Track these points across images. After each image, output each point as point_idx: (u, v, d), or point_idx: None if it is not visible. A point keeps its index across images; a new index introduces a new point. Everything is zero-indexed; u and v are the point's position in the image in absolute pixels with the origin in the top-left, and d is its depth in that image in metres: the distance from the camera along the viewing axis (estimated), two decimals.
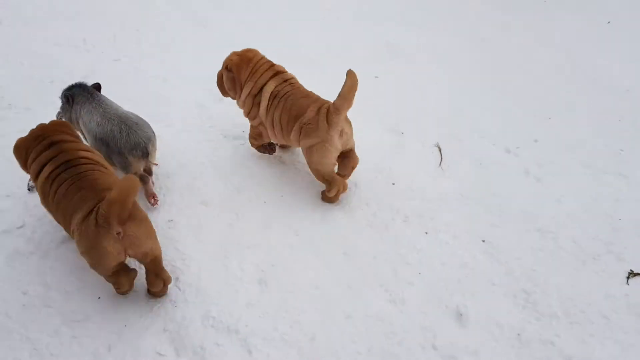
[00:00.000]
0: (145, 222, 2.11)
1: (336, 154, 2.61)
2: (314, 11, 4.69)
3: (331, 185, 2.67)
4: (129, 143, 2.58)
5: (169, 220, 2.66)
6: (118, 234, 1.99)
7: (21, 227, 2.59)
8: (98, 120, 2.63)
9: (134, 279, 2.27)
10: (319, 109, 2.55)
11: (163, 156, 2.94)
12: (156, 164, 2.78)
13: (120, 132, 2.59)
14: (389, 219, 2.72)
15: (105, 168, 2.28)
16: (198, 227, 2.64)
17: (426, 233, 2.65)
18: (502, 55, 4.11)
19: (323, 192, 2.77)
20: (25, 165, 2.33)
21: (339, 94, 2.44)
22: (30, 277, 2.38)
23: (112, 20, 4.39)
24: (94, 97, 2.75)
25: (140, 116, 2.77)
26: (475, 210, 2.77)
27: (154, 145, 2.69)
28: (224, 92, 2.96)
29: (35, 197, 2.45)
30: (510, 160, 3.10)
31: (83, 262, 2.17)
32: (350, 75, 2.40)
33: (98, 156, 2.35)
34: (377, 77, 3.69)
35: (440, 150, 3.14)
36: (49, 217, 2.41)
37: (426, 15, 4.67)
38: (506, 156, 3.13)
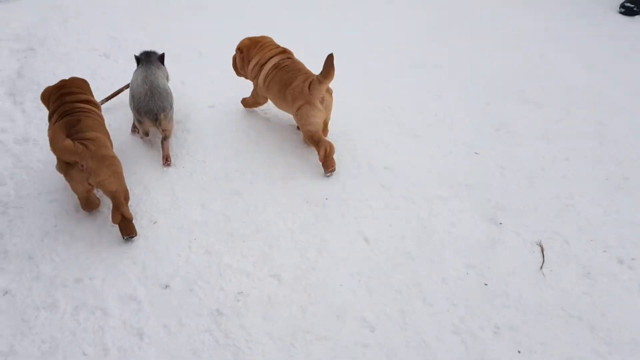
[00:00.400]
0: (104, 160, 2.66)
1: (320, 115, 3.09)
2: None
3: (319, 145, 3.10)
4: (147, 107, 3.18)
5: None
6: (81, 166, 2.58)
7: None
8: (138, 81, 3.29)
9: (98, 203, 2.90)
10: (305, 80, 3.07)
11: None
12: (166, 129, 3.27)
13: (145, 96, 3.20)
14: (477, 328, 2.42)
15: (98, 116, 2.94)
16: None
17: (519, 352, 2.33)
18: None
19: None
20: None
21: (321, 71, 2.97)
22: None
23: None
24: (150, 63, 3.42)
25: (171, 92, 3.32)
26: (579, 331, 2.42)
27: (166, 116, 3.21)
28: (237, 72, 3.56)
29: None
30: (623, 274, 2.71)
31: None
32: (329, 58, 2.92)
33: (95, 107, 3.00)
34: (477, 153, 3.40)
35: (542, 251, 2.80)
36: None
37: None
38: (619, 268, 2.75)
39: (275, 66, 3.25)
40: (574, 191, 3.12)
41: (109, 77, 4.14)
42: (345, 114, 3.62)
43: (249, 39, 3.41)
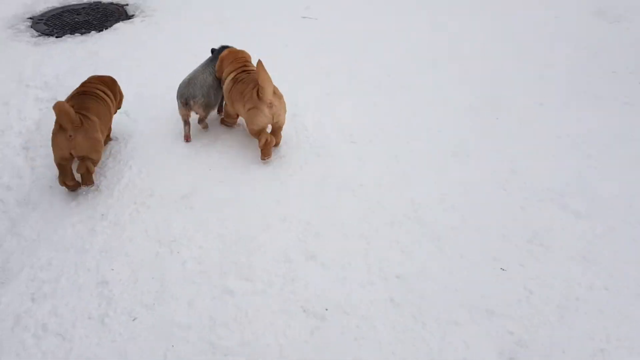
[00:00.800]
0: (91, 141, 3.22)
1: (265, 119, 3.53)
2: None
3: (261, 136, 3.56)
4: (181, 92, 3.72)
5: None
6: (70, 136, 3.11)
7: None
8: (190, 71, 3.88)
9: (72, 182, 3.35)
10: (254, 87, 3.49)
11: None
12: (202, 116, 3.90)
13: (184, 83, 3.76)
14: None
15: (105, 102, 3.53)
16: None
17: None
18: None
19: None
20: None
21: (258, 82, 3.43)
22: None
23: None
24: (211, 58, 3.99)
25: (212, 84, 3.84)
26: None
27: (196, 103, 3.71)
28: (219, 74, 3.90)
29: None
30: None
31: None
32: (259, 64, 3.40)
33: (107, 95, 3.60)
34: (503, 269, 3.02)
35: None
36: None
37: None
38: None
39: (235, 80, 3.68)
40: (611, 333, 2.68)
41: (122, 138, 4.01)
42: (363, 209, 3.34)
43: (229, 50, 3.90)
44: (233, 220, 3.28)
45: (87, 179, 3.34)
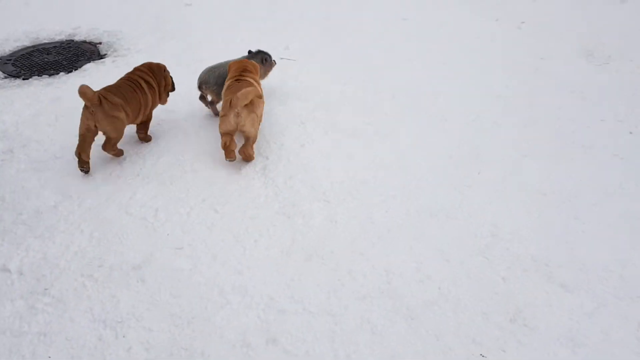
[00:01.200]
0: (109, 119, 3.79)
1: (229, 125, 3.84)
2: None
3: (222, 138, 3.91)
4: (199, 77, 4.48)
5: None
6: (92, 112, 3.71)
7: None
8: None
9: (85, 157, 3.85)
10: (230, 97, 3.79)
11: None
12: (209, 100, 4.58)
13: (205, 70, 4.49)
14: None
15: (142, 90, 4.07)
16: None
17: None
18: None
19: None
20: None
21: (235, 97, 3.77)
22: None
23: None
24: (247, 55, 4.70)
25: (225, 76, 4.30)
26: None
27: (207, 86, 4.40)
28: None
29: None
30: None
31: None
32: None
33: (148, 83, 4.15)
34: (483, 356, 2.74)
35: None
36: None
37: None
38: None
39: (227, 87, 4.03)
40: None
41: (77, 196, 3.73)
42: (333, 281, 3.05)
43: (237, 60, 4.31)
44: (188, 297, 2.99)
45: (108, 148, 3.95)
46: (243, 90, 3.75)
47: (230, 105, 3.76)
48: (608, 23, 6.43)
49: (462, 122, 4.57)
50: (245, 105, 3.77)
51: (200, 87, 4.42)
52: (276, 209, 3.65)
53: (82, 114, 3.76)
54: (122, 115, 3.84)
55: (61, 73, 5.62)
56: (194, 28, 6.43)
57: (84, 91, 3.68)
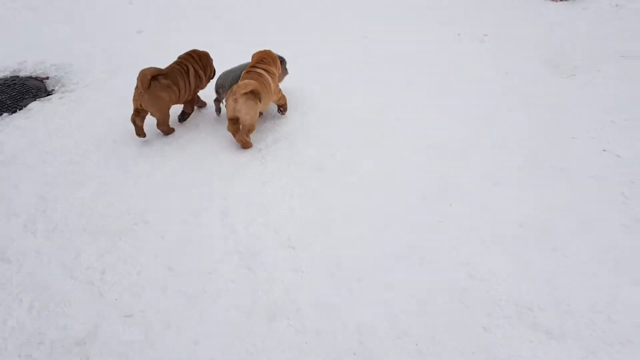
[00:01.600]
0: (154, 94, 4.24)
1: (229, 111, 4.18)
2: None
3: (227, 124, 4.25)
4: (217, 80, 4.65)
5: None
6: (140, 93, 4.19)
7: None
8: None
9: (140, 123, 4.38)
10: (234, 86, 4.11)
11: None
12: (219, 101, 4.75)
13: (223, 73, 4.68)
14: None
15: (188, 75, 4.50)
16: None
17: None
18: None
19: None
20: None
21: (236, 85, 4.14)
22: None
23: None
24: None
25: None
26: None
27: (223, 90, 4.56)
28: None
29: None
30: None
31: None
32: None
33: (195, 69, 4.57)
34: None
35: None
36: None
37: None
38: None
39: (241, 77, 4.30)
40: None
41: (15, 259, 3.37)
42: (299, 345, 2.76)
43: (260, 51, 4.53)
44: None
45: (158, 127, 4.45)
46: (245, 80, 4.07)
47: (231, 91, 4.10)
48: (571, 33, 6.30)
49: (429, 151, 4.33)
50: (244, 93, 4.03)
51: (217, 91, 4.62)
52: (235, 261, 3.35)
53: (134, 93, 4.22)
54: (165, 95, 4.23)
55: (4, 114, 5.24)
56: (145, 58, 6.09)
57: (143, 74, 4.10)
